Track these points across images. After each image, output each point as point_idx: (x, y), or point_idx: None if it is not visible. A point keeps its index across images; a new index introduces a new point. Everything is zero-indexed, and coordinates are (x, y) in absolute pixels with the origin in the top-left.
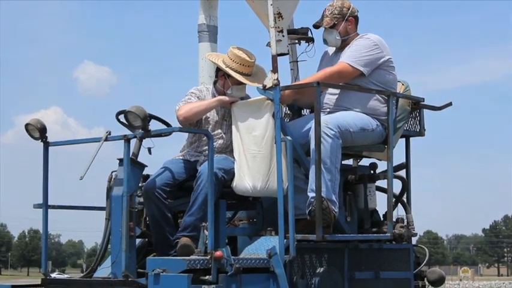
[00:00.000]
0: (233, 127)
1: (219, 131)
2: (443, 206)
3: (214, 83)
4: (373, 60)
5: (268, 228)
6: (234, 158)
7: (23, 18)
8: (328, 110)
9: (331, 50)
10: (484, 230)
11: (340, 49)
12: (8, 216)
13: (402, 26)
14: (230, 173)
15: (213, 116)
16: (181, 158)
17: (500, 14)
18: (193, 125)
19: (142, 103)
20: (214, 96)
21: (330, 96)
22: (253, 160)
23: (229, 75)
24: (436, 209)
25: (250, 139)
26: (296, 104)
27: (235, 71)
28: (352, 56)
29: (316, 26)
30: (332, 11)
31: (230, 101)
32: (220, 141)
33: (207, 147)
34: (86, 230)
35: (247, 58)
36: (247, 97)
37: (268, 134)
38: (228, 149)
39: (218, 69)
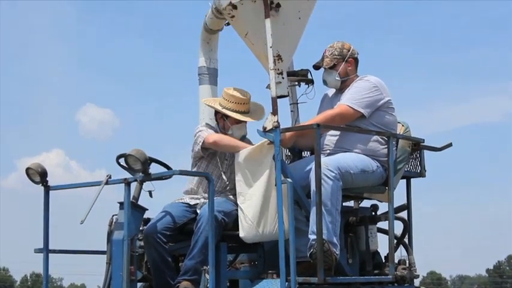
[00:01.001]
0: (236, 174)
1: (219, 170)
2: (447, 246)
3: (213, 127)
4: (373, 102)
5: (270, 271)
6: (233, 198)
7: (24, 61)
8: (328, 151)
9: (331, 92)
10: (487, 270)
11: (339, 90)
12: (9, 260)
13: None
14: (230, 216)
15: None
16: (181, 201)
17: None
18: (198, 158)
19: (145, 145)
20: None
21: (330, 137)
22: (258, 206)
23: (227, 116)
24: (440, 249)
25: (254, 185)
26: (297, 147)
27: (232, 111)
28: (353, 98)
29: (316, 67)
30: (332, 52)
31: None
32: (220, 182)
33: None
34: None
35: (241, 96)
36: (249, 141)
37: (271, 179)
38: (227, 188)
39: (216, 112)
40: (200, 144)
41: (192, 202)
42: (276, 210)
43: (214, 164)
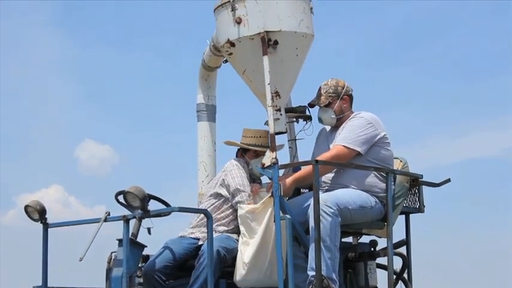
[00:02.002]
0: (240, 225)
1: (227, 206)
2: (446, 283)
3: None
4: (368, 139)
5: None
6: (237, 237)
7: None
8: (326, 188)
9: (327, 127)
10: None
11: (335, 127)
12: None
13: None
14: (232, 253)
15: (225, 193)
16: (184, 236)
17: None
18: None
19: (144, 181)
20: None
21: (328, 174)
22: (254, 251)
23: (246, 152)
24: (439, 285)
25: (253, 231)
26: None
27: (250, 145)
28: (348, 138)
29: (312, 105)
30: (327, 89)
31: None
32: (228, 218)
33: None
34: None
35: (259, 130)
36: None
37: (270, 220)
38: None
39: (237, 151)
40: (235, 202)
41: (197, 235)
42: (271, 257)
43: (221, 201)
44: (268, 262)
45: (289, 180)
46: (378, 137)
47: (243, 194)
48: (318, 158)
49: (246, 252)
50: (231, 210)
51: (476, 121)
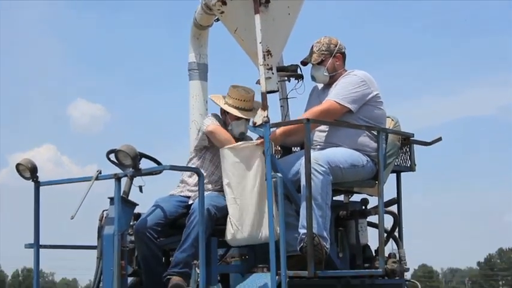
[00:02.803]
0: (224, 178)
1: (209, 163)
2: (438, 240)
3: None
4: (360, 97)
5: (260, 265)
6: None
7: (15, 57)
8: (318, 147)
9: (319, 85)
10: (479, 264)
11: (328, 85)
12: (1, 255)
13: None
14: (223, 210)
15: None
16: (174, 194)
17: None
18: (202, 148)
19: (136, 140)
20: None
21: (320, 133)
22: (243, 209)
23: (228, 112)
24: (431, 243)
25: (240, 188)
26: (286, 144)
27: (233, 107)
28: (339, 94)
29: (304, 63)
30: (319, 47)
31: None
32: (214, 176)
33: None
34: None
35: (243, 92)
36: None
37: (261, 180)
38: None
39: (221, 108)
40: (201, 132)
41: (186, 194)
42: (262, 214)
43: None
44: (258, 220)
45: (278, 131)
46: (371, 95)
47: (205, 121)
48: (308, 112)
49: (235, 210)
50: (213, 167)
51: (471, 79)
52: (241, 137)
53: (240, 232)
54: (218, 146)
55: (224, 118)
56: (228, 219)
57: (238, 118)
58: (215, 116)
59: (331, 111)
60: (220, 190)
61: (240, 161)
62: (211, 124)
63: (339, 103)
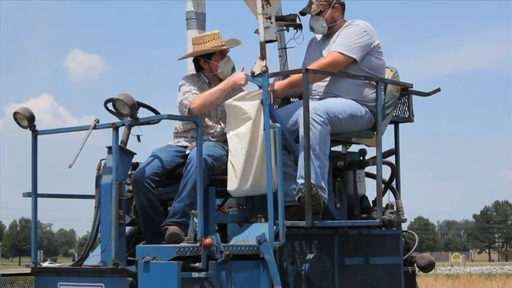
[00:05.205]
0: (227, 131)
1: (216, 117)
2: (434, 192)
3: (199, 75)
4: (364, 46)
5: (258, 215)
6: (226, 146)
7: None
8: (317, 97)
9: (318, 36)
10: (474, 216)
11: (327, 36)
12: None
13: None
14: (220, 160)
15: None
16: (171, 145)
17: None
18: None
19: (133, 91)
20: (209, 84)
21: (319, 83)
22: (244, 159)
23: (210, 57)
24: (428, 195)
25: (241, 138)
26: (287, 96)
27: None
28: (344, 45)
29: (303, 13)
30: None
31: (240, 80)
32: (217, 128)
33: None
34: (77, 219)
35: (209, 32)
36: (240, 89)
37: (258, 127)
38: (224, 137)
39: (196, 62)
40: (187, 112)
41: (183, 144)
42: (262, 164)
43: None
44: (261, 171)
45: (284, 82)
46: (373, 45)
47: (184, 100)
48: (313, 65)
49: (236, 161)
50: (212, 118)
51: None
52: (233, 72)
53: (244, 183)
54: (215, 103)
55: (208, 67)
56: (229, 169)
57: (223, 56)
58: (189, 80)
59: (337, 63)
60: (218, 140)
61: (247, 111)
62: (193, 100)
63: (344, 54)
